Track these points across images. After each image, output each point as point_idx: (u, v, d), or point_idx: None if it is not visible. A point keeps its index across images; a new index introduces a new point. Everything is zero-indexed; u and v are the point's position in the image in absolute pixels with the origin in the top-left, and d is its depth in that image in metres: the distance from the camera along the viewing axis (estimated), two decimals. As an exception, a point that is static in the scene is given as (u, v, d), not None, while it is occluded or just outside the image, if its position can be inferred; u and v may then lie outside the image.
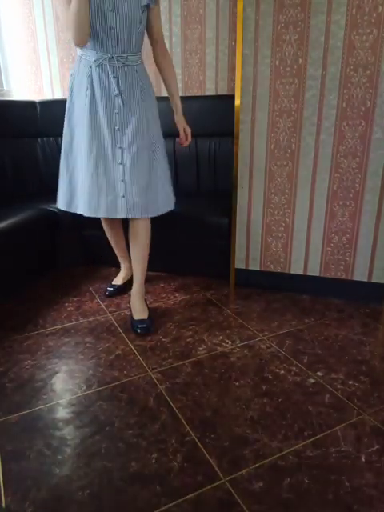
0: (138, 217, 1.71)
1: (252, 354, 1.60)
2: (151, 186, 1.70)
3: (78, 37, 1.54)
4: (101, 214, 1.73)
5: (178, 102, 1.85)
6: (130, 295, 2.07)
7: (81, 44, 1.57)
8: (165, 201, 1.77)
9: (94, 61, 1.61)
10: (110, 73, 1.61)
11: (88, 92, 1.64)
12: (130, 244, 1.81)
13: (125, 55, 1.61)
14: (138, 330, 1.74)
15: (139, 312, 1.80)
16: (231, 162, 2.02)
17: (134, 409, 1.31)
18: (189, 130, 1.88)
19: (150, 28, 1.71)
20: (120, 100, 1.62)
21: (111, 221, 1.92)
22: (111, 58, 1.60)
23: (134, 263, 1.84)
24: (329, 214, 1.93)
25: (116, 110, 1.64)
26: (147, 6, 1.61)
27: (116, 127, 1.65)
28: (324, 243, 1.98)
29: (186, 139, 1.89)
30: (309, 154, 1.87)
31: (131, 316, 1.82)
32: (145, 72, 1.71)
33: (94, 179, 1.68)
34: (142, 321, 1.77)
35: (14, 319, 1.87)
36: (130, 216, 1.70)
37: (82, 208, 1.75)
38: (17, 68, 2.84)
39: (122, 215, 1.70)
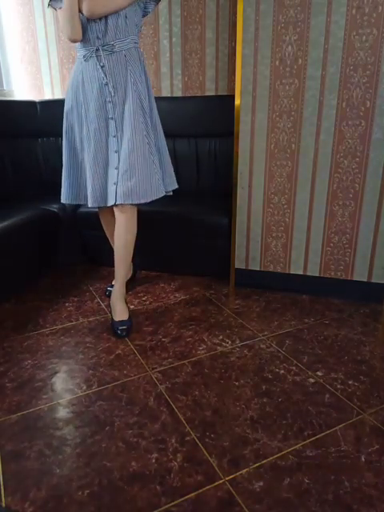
0: (128, 203, 1.68)
1: (252, 354, 1.60)
2: (143, 171, 1.67)
3: (69, 31, 1.58)
4: (99, 204, 1.73)
5: None
6: (129, 295, 2.08)
7: (74, 38, 1.61)
8: (157, 186, 1.72)
9: (84, 56, 1.65)
10: (97, 63, 1.63)
11: (78, 87, 1.67)
12: (114, 240, 1.78)
13: (111, 43, 1.61)
14: (119, 332, 1.72)
15: (119, 313, 1.77)
16: (231, 162, 2.02)
17: (134, 409, 1.31)
18: None
19: None
20: (110, 88, 1.63)
21: (109, 217, 1.91)
22: (97, 50, 1.62)
23: (116, 261, 1.80)
24: (329, 214, 1.93)
25: (108, 99, 1.65)
26: None
27: (109, 116, 1.66)
28: (324, 243, 1.98)
29: None
30: (309, 153, 1.87)
31: (111, 317, 1.80)
32: (137, 55, 1.68)
33: (95, 171, 1.69)
34: (122, 322, 1.75)
35: (14, 319, 1.87)
36: (119, 202, 1.68)
37: (89, 200, 1.75)
38: (17, 68, 2.84)
39: (112, 202, 1.70)
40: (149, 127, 1.69)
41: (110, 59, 1.62)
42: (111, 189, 1.70)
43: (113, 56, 1.62)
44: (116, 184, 1.68)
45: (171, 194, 1.85)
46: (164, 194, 1.76)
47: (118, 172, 1.68)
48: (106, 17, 1.57)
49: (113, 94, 1.64)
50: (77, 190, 1.82)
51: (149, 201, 1.70)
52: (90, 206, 1.76)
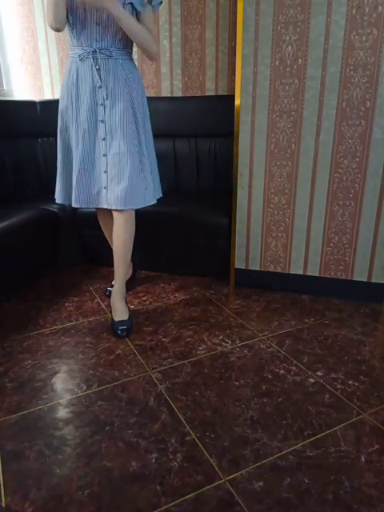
0: (119, 208, 1.69)
1: (252, 354, 1.60)
2: (132, 177, 1.66)
3: (52, 18, 1.55)
4: (84, 205, 1.74)
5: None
6: (129, 295, 2.08)
7: (56, 27, 1.59)
8: (145, 194, 1.72)
9: (79, 55, 1.63)
10: (93, 65, 1.62)
11: (73, 86, 1.66)
12: (113, 240, 1.79)
13: (109, 49, 1.61)
14: (119, 332, 1.72)
15: (120, 313, 1.77)
16: (231, 162, 2.02)
17: (134, 409, 1.31)
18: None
19: None
20: (103, 91, 1.63)
21: (107, 217, 1.92)
22: (94, 52, 1.61)
23: (115, 261, 1.80)
24: (328, 214, 1.93)
25: (100, 102, 1.64)
26: (132, 5, 1.58)
27: (99, 119, 1.66)
28: (324, 243, 1.98)
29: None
30: (309, 153, 1.87)
31: (111, 317, 1.80)
32: (132, 67, 1.69)
33: (80, 172, 1.70)
34: (122, 322, 1.75)
35: (14, 319, 1.87)
36: (111, 207, 1.69)
37: (72, 199, 1.76)
38: (17, 68, 2.84)
39: (103, 206, 1.72)
40: (140, 135, 1.69)
41: (106, 63, 1.62)
42: (102, 193, 1.70)
43: (110, 61, 1.62)
44: (106, 188, 1.69)
45: (155, 201, 1.82)
46: (153, 202, 1.76)
47: (107, 176, 1.68)
48: (107, 25, 1.57)
49: (105, 98, 1.63)
50: (66, 190, 1.82)
51: (136, 208, 1.71)
52: (73, 206, 1.76)
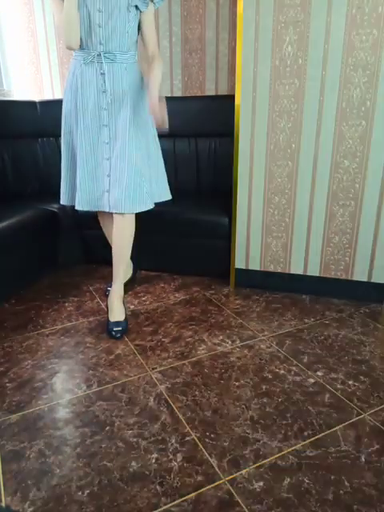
0: (121, 212, 1.68)
1: (252, 354, 1.60)
2: (133, 181, 1.66)
3: (68, 38, 1.58)
4: (87, 208, 1.75)
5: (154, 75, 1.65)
6: (129, 295, 2.08)
7: (72, 46, 1.61)
8: (145, 198, 1.71)
9: (83, 59, 1.63)
10: (98, 69, 1.62)
11: (77, 90, 1.67)
12: (113, 241, 1.79)
13: (113, 53, 1.62)
14: (113, 333, 1.71)
15: (116, 313, 1.76)
16: (231, 162, 2.02)
17: (134, 409, 1.31)
18: (158, 107, 1.56)
19: (141, 32, 1.70)
20: (108, 96, 1.63)
21: (107, 218, 1.92)
22: (99, 56, 1.61)
23: (114, 262, 1.80)
24: (329, 214, 1.93)
25: (104, 106, 1.65)
26: (136, 8, 1.61)
27: (103, 123, 1.67)
28: (324, 243, 1.98)
29: (159, 119, 1.59)
30: (309, 154, 1.87)
31: (107, 317, 1.79)
32: (136, 71, 1.71)
33: (84, 175, 1.70)
34: (117, 323, 1.74)
35: (14, 319, 1.87)
36: (112, 211, 1.70)
37: (76, 202, 1.77)
38: (17, 68, 2.84)
39: (105, 209, 1.72)
40: (141, 139, 1.69)
41: (111, 68, 1.63)
42: (104, 196, 1.71)
43: (114, 65, 1.63)
44: (108, 192, 1.70)
45: (153, 206, 1.78)
46: (151, 207, 1.74)
47: (109, 180, 1.69)
48: (111, 29, 1.58)
49: (109, 102, 1.64)
50: (70, 192, 1.82)
51: (136, 212, 1.70)
52: (76, 208, 1.76)
